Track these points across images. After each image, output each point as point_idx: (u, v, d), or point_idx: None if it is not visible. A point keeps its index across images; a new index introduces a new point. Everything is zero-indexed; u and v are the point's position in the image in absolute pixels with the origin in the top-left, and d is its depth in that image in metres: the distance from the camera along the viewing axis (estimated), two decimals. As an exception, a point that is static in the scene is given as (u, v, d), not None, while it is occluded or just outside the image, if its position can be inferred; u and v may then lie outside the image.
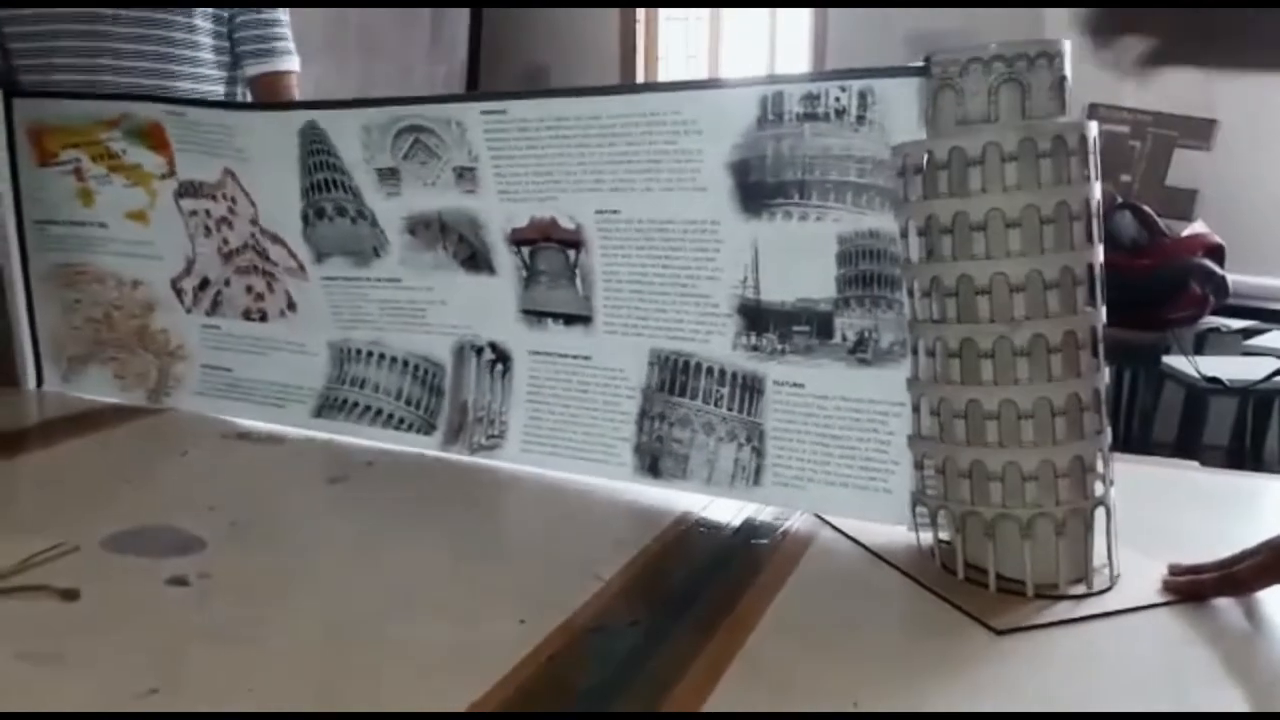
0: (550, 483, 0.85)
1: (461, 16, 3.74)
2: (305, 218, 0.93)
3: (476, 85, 3.86)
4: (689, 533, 0.75)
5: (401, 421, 0.93)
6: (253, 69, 1.53)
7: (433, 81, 3.63)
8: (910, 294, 0.69)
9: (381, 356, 0.95)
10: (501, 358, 0.90)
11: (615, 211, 0.81)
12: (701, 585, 0.66)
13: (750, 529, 0.75)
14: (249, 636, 0.58)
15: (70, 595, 0.61)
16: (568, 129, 0.80)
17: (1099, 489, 0.66)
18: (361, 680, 0.54)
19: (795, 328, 0.76)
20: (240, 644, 0.57)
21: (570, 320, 0.86)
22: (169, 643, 0.57)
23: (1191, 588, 0.64)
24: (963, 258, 0.65)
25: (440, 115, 0.85)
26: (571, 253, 0.84)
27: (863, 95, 0.71)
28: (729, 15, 4.20)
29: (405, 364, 0.94)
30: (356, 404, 0.95)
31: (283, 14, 1.56)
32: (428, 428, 0.92)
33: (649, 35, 4.18)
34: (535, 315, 0.87)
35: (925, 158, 0.66)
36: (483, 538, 0.76)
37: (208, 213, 1.00)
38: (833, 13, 3.48)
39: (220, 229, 1.00)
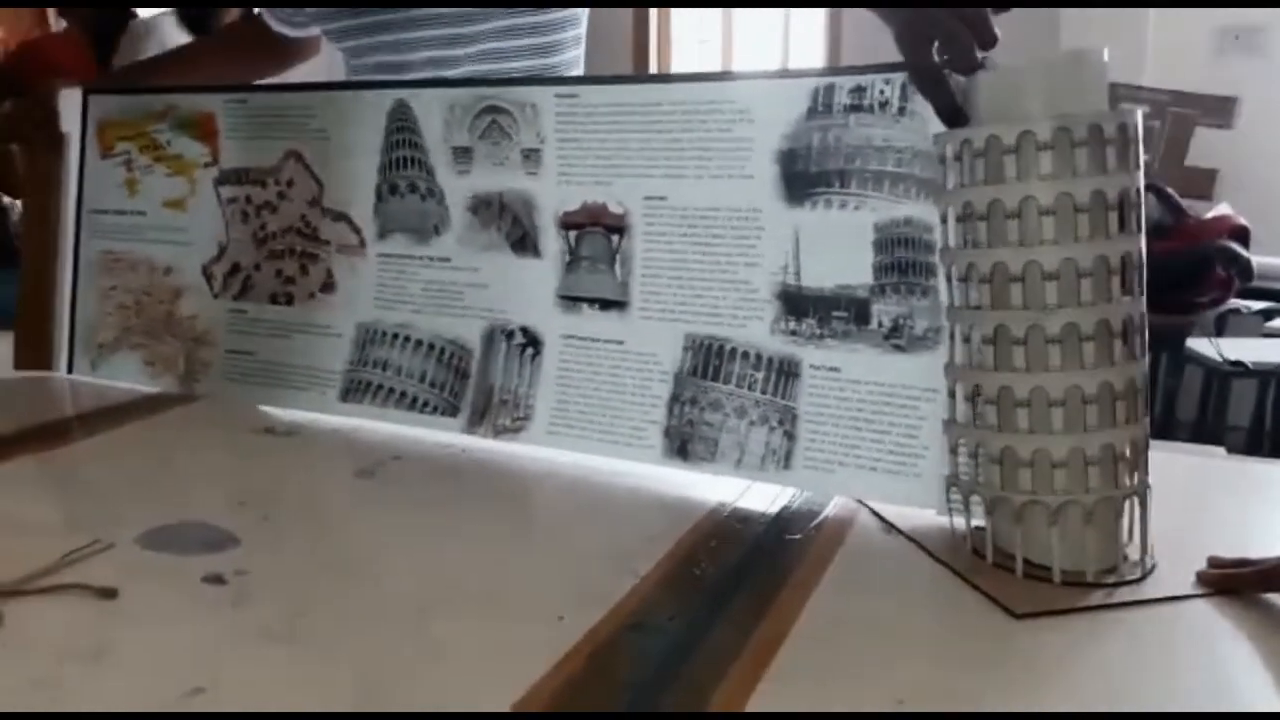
0: (580, 476, 0.85)
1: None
2: (379, 192, 0.98)
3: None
4: (723, 525, 0.75)
5: (426, 404, 0.95)
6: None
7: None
8: (948, 280, 0.69)
9: (407, 339, 0.97)
10: (532, 341, 0.91)
11: (663, 198, 0.84)
12: (739, 579, 0.66)
13: (785, 520, 0.75)
14: (288, 634, 0.58)
15: (108, 594, 0.62)
16: (630, 115, 0.85)
17: (1132, 478, 0.66)
18: (403, 678, 0.54)
19: (834, 313, 0.78)
20: (280, 642, 0.58)
21: (606, 305, 0.88)
22: (210, 641, 0.58)
23: (1226, 581, 0.63)
24: (997, 245, 0.65)
25: (518, 98, 0.89)
26: (615, 238, 0.86)
27: (905, 87, 0.74)
28: (741, 13, 4.17)
29: (431, 347, 0.96)
30: (380, 386, 0.97)
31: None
32: (452, 410, 0.94)
33: (661, 25, 4.16)
34: (572, 300, 0.89)
35: (963, 145, 0.66)
36: (515, 532, 0.77)
37: (249, 199, 1.05)
38: (846, 9, 3.46)
39: (260, 214, 1.05)
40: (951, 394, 0.70)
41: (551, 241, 0.89)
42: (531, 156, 0.89)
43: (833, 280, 0.78)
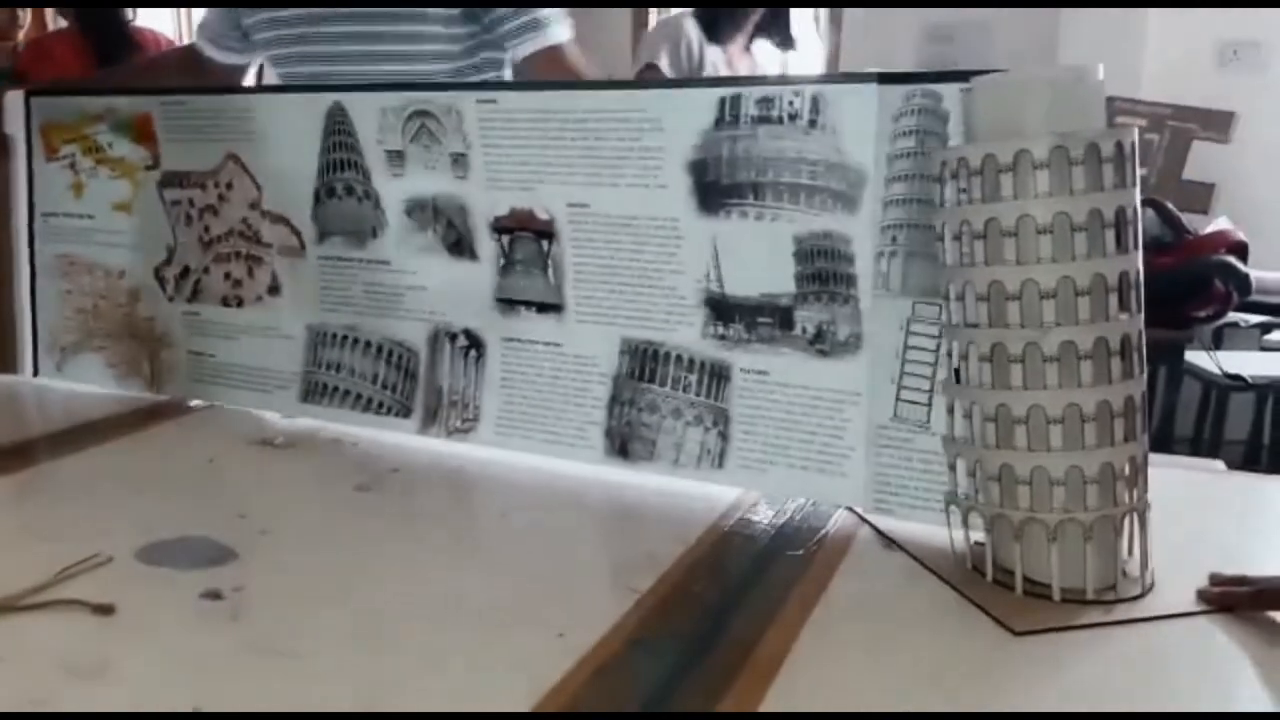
0: (579, 490, 0.85)
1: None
2: (317, 195, 0.98)
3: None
4: (723, 542, 0.75)
5: (380, 406, 0.97)
6: (524, 46, 1.36)
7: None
8: (945, 297, 0.69)
9: (356, 341, 0.99)
10: (475, 344, 0.93)
11: (585, 205, 0.85)
12: (740, 596, 0.66)
13: (786, 536, 0.75)
14: (285, 651, 0.58)
15: (105, 610, 0.62)
16: (548, 122, 0.85)
17: (1131, 496, 0.66)
18: (402, 695, 0.54)
19: (759, 319, 0.80)
20: (277, 658, 0.57)
21: (543, 308, 0.89)
22: (208, 658, 0.58)
23: (1225, 599, 0.63)
24: (994, 263, 0.65)
25: (444, 102, 0.90)
26: (545, 243, 0.88)
27: (815, 100, 0.75)
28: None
29: (379, 349, 0.98)
30: (336, 388, 1.00)
31: None
32: (405, 411, 0.96)
33: (661, 30, 4.17)
34: (509, 303, 0.91)
35: (959, 163, 0.66)
36: (514, 547, 0.76)
37: (191, 202, 1.05)
38: (847, 9, 3.47)
39: (203, 217, 1.05)
40: (950, 411, 0.70)
41: (486, 245, 0.91)
42: (460, 161, 0.90)
43: (756, 288, 0.80)
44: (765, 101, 0.77)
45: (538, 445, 0.89)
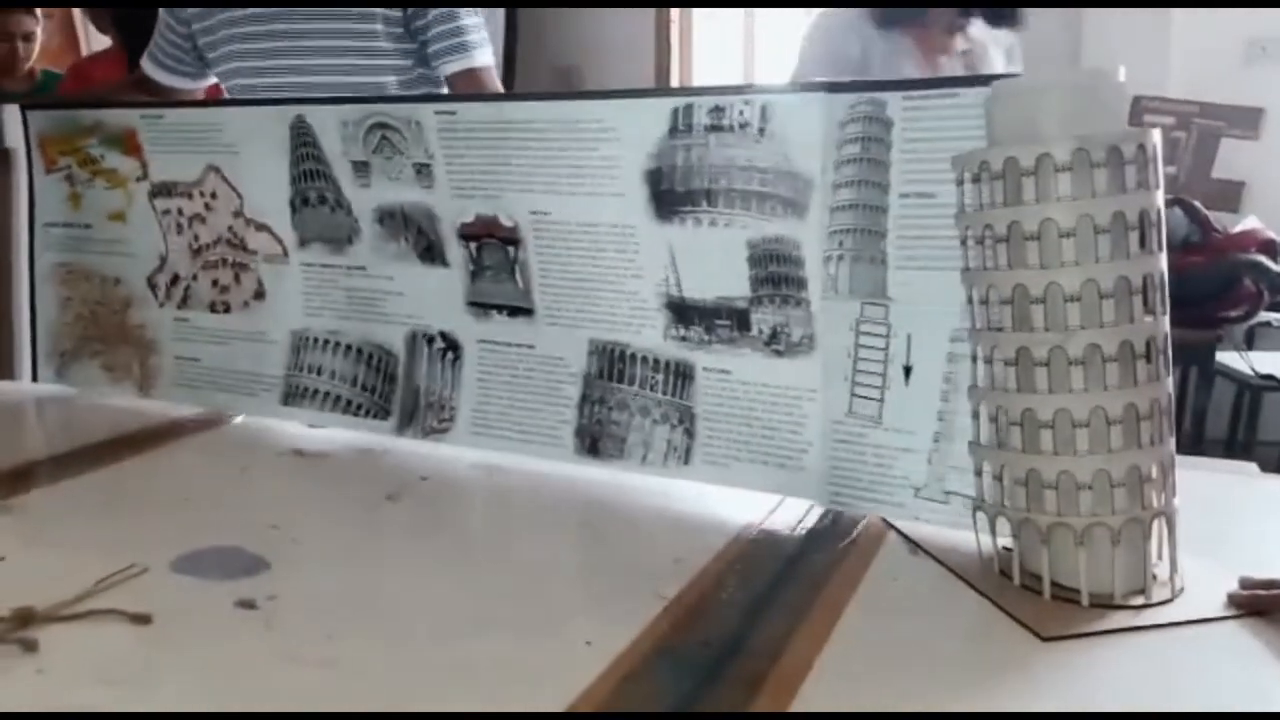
0: (606, 497, 0.85)
1: (496, 19, 3.77)
2: (293, 204, 1.01)
3: (511, 87, 3.88)
4: (750, 548, 0.75)
5: (360, 407, 1.00)
6: (449, 66, 1.47)
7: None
8: (969, 301, 0.69)
9: (338, 345, 1.02)
10: (451, 346, 0.96)
11: (546, 213, 0.88)
12: (767, 603, 0.66)
13: (812, 542, 0.76)
14: (319, 660, 0.59)
15: (142, 620, 0.63)
16: (508, 132, 0.87)
17: (1159, 499, 0.66)
18: (434, 703, 0.55)
19: (718, 321, 0.83)
20: (311, 667, 0.58)
21: (514, 312, 0.92)
22: (243, 667, 0.59)
23: (1256, 603, 0.63)
24: (1017, 267, 0.65)
25: (403, 114, 0.92)
26: (511, 249, 0.90)
27: (764, 110, 0.77)
28: (762, 13, 4.19)
29: (360, 352, 1.00)
30: (317, 391, 1.03)
31: (472, 14, 1.50)
32: (383, 413, 0.99)
33: (683, 35, 4.18)
34: (481, 307, 0.94)
35: (980, 167, 0.66)
36: (542, 555, 0.77)
37: (180, 211, 1.09)
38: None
39: (192, 225, 1.08)
40: (975, 415, 0.70)
41: (455, 251, 0.93)
42: (423, 171, 0.92)
43: (713, 292, 0.82)
44: (717, 111, 0.78)
45: (512, 444, 0.93)
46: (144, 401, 1.11)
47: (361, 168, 0.95)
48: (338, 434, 1.01)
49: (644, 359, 0.86)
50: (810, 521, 0.79)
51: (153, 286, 1.12)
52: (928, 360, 0.75)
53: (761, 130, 0.77)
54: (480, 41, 1.47)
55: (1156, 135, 0.65)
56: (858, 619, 0.64)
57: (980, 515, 0.70)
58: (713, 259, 0.81)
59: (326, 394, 1.02)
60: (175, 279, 1.10)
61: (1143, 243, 0.65)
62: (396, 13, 1.41)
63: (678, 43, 4.24)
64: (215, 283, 1.08)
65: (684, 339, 0.84)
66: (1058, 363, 0.65)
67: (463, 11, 1.46)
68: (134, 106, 1.12)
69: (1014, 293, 0.66)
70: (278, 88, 1.39)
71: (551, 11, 3.87)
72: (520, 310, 0.91)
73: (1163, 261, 0.66)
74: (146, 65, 1.48)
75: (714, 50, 4.37)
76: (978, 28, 1.66)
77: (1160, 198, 0.66)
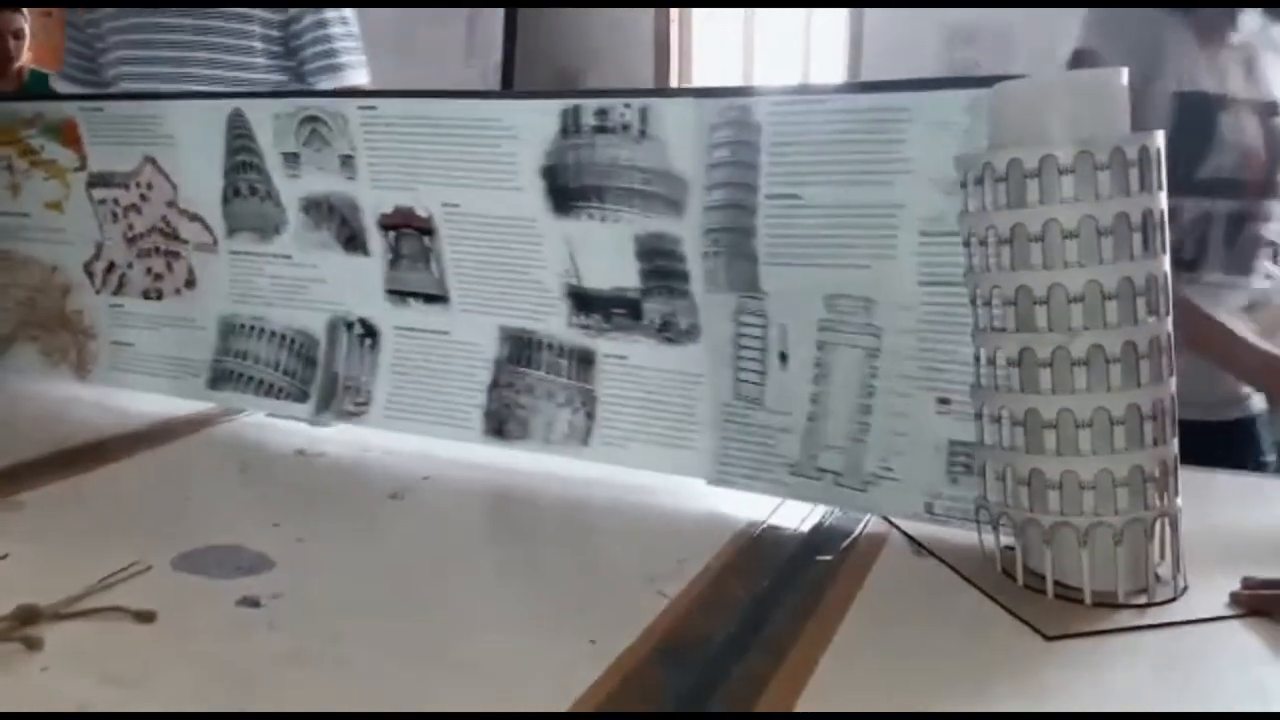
0: (609, 495, 0.86)
1: (496, 20, 3.77)
2: (225, 195, 1.05)
3: (511, 88, 3.89)
4: (752, 547, 0.75)
5: (281, 391, 1.04)
6: (321, 84, 1.51)
7: (467, 84, 3.66)
8: (972, 302, 0.69)
9: (263, 331, 1.06)
10: (370, 332, 1.00)
11: (457, 205, 0.92)
12: (771, 602, 0.66)
13: (816, 541, 0.76)
14: (323, 658, 0.59)
15: (146, 617, 0.63)
16: (422, 128, 0.91)
17: (1162, 499, 0.66)
18: (437, 703, 0.55)
19: (614, 310, 0.87)
20: (315, 666, 0.58)
21: (430, 299, 0.96)
22: (247, 666, 0.59)
23: (1259, 603, 0.63)
24: (1020, 268, 0.66)
25: (331, 108, 0.96)
26: (427, 239, 0.94)
27: (643, 113, 0.81)
28: (762, 14, 4.19)
29: (284, 338, 1.04)
30: (242, 375, 1.06)
31: (341, 23, 1.54)
32: (302, 396, 1.03)
33: (683, 36, 4.18)
34: (400, 294, 0.97)
35: (984, 168, 0.66)
36: (545, 553, 0.77)
37: (116, 201, 1.12)
38: (868, 9, 3.46)
39: (127, 215, 1.12)
40: (978, 415, 0.70)
41: (375, 240, 0.97)
42: (348, 163, 0.96)
43: (609, 283, 0.86)
44: (601, 113, 0.82)
45: (423, 427, 0.97)
46: (145, 400, 1.11)
47: (292, 159, 0.99)
48: (339, 433, 1.01)
49: (549, 345, 0.90)
50: (812, 522, 0.79)
51: (90, 274, 1.16)
52: (800, 348, 0.79)
53: (642, 132, 0.82)
54: (353, 62, 1.55)
55: (1159, 137, 0.65)
56: (861, 618, 0.64)
57: (983, 515, 0.70)
58: (606, 252, 0.86)
59: (251, 378, 1.06)
60: (111, 266, 1.14)
61: (1146, 244, 0.65)
62: (276, 16, 1.47)
63: (677, 43, 4.24)
64: (149, 270, 1.12)
65: (585, 327, 0.89)
66: (1061, 363, 0.65)
67: (337, 29, 1.53)
68: (74, 99, 1.17)
69: (1017, 294, 0.66)
70: (161, 80, 1.47)
71: (551, 12, 3.87)
72: (436, 298, 0.95)
73: (1166, 263, 0.66)
74: (57, 84, 1.57)
75: (714, 50, 4.38)
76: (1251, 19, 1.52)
77: (1163, 199, 0.66)
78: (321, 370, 1.02)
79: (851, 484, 0.78)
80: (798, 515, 0.79)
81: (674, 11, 4.11)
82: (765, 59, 4.28)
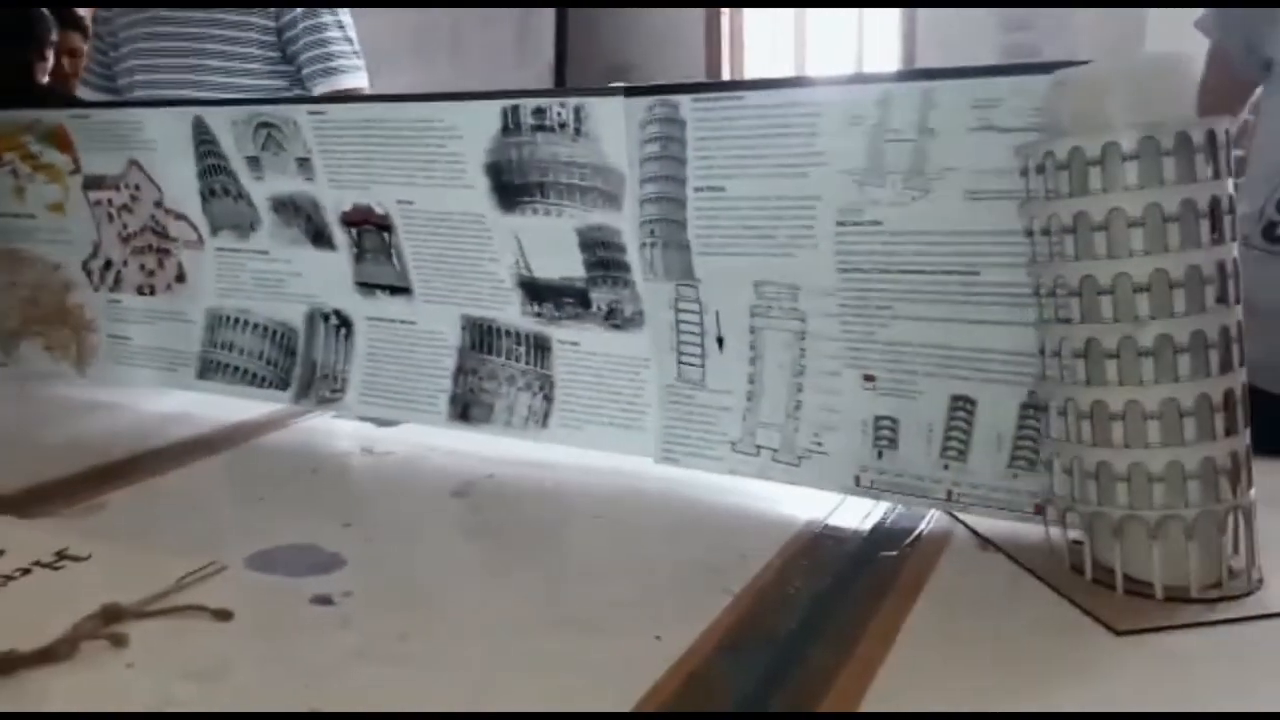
0: (668, 492, 0.86)
1: (547, 20, 3.79)
2: (203, 195, 1.10)
3: (562, 84, 3.90)
4: (816, 543, 0.75)
5: (263, 380, 1.10)
6: (318, 88, 1.59)
7: (520, 84, 3.69)
8: (1035, 293, 0.69)
9: (247, 323, 1.11)
10: (345, 323, 1.05)
11: (411, 202, 0.96)
12: (835, 598, 0.66)
13: (879, 537, 0.76)
14: (396, 655, 0.61)
15: (224, 615, 0.65)
16: (372, 130, 0.96)
17: (1235, 492, 0.65)
18: (509, 698, 0.56)
19: (564, 299, 0.92)
20: (388, 663, 0.60)
21: (395, 291, 1.01)
22: (323, 662, 0.60)
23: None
24: (1085, 257, 0.65)
25: (282, 114, 1.00)
26: (387, 234, 0.99)
27: (578, 111, 0.84)
28: (815, 9, 4.16)
29: (266, 329, 1.10)
30: (228, 365, 1.12)
31: (338, 27, 1.60)
32: (283, 384, 1.09)
33: (734, 32, 4.17)
34: (367, 287, 1.03)
35: (1045, 157, 0.66)
36: (608, 549, 0.78)
37: (110, 201, 1.18)
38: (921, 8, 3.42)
39: (120, 215, 1.18)
40: (1044, 408, 0.69)
41: (340, 236, 1.02)
42: (304, 165, 1.00)
43: (557, 273, 0.91)
44: (539, 112, 0.86)
45: (395, 412, 1.03)
46: (216, 407, 1.13)
47: (254, 162, 1.04)
48: (404, 433, 1.03)
49: (508, 332, 0.95)
50: (874, 520, 0.78)
51: (88, 271, 1.23)
52: (735, 332, 0.83)
53: (577, 130, 0.84)
54: (349, 65, 1.61)
55: (1228, 122, 0.64)
56: (928, 614, 0.64)
57: (1050, 509, 0.70)
58: (553, 244, 0.90)
59: (236, 368, 1.12)
60: (108, 264, 1.21)
61: (1214, 231, 0.64)
62: (270, 22, 1.52)
63: (728, 39, 4.23)
64: (143, 267, 1.18)
65: (539, 315, 0.93)
66: (1128, 354, 0.64)
67: (332, 33, 1.58)
68: (61, 107, 1.25)
69: (1082, 284, 0.65)
70: (169, 84, 1.54)
71: (601, 11, 3.88)
72: (400, 289, 1.01)
73: (1235, 250, 0.65)
74: (81, 91, 1.67)
75: (765, 46, 4.35)
76: None
77: (1232, 185, 0.64)
78: (301, 359, 1.08)
79: (786, 459, 0.82)
80: (858, 514, 0.79)
81: (724, 9, 4.10)
82: (818, 51, 4.24)
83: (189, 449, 1.02)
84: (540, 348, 0.94)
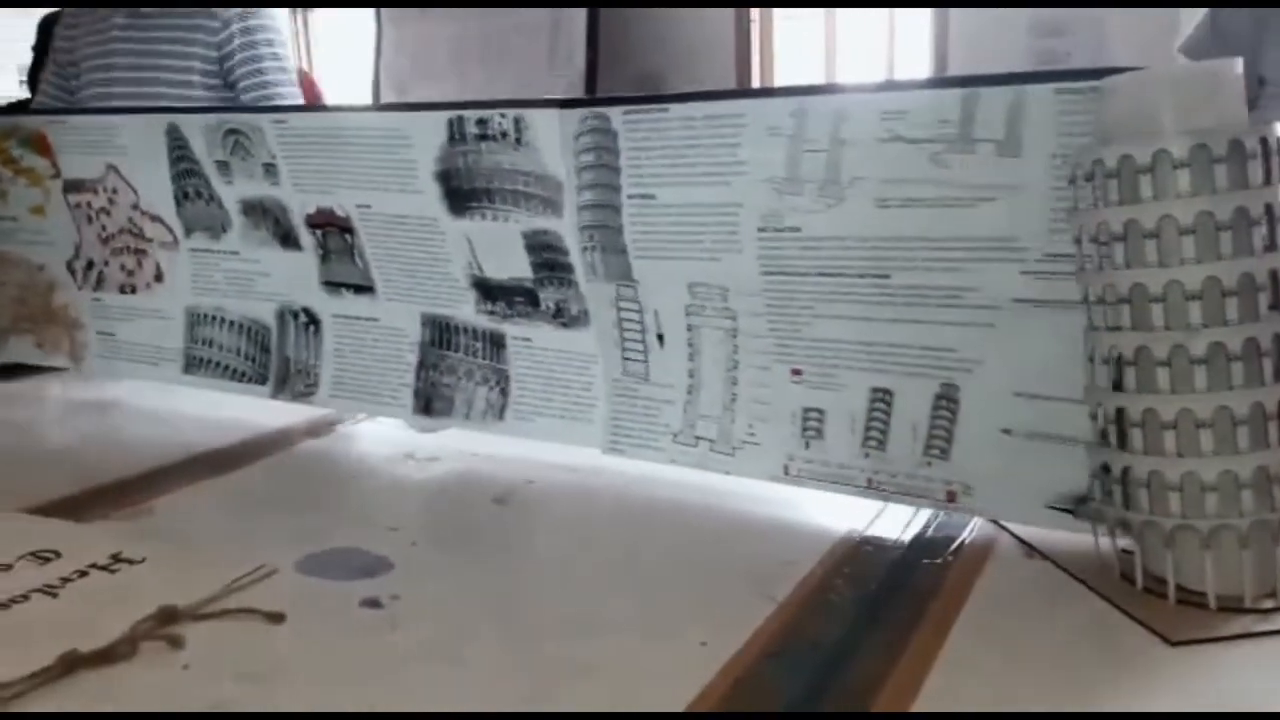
0: (708, 499, 0.86)
1: (579, 30, 3.81)
2: (176, 199, 1.14)
3: (594, 93, 3.92)
4: (858, 551, 0.75)
5: (243, 375, 1.15)
6: (249, 96, 1.74)
7: (553, 91, 3.71)
8: (1085, 300, 0.68)
9: (223, 320, 1.16)
10: (313, 320, 1.10)
11: (369, 206, 1.00)
12: (880, 606, 0.66)
13: (921, 545, 0.75)
14: (444, 657, 0.61)
15: (276, 618, 0.65)
16: (331, 138, 1.00)
17: (1290, 500, 0.64)
18: (557, 703, 0.56)
19: (515, 298, 0.96)
20: (437, 665, 0.60)
21: (359, 290, 1.05)
22: (374, 663, 0.61)
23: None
24: (1136, 265, 0.64)
25: (248, 122, 1.04)
26: (349, 236, 1.03)
27: (517, 122, 0.87)
28: (844, 13, 4.15)
29: (242, 326, 1.14)
30: (210, 361, 1.17)
31: (268, 45, 1.71)
32: (261, 379, 1.13)
33: (764, 37, 4.17)
34: (333, 285, 1.07)
35: (1094, 165, 0.65)
36: (650, 555, 0.78)
37: (89, 204, 1.23)
38: (954, 9, 3.41)
39: (100, 217, 1.23)
40: (1093, 417, 0.69)
41: (306, 237, 1.06)
42: (270, 170, 1.04)
43: (507, 274, 0.95)
44: (481, 122, 0.89)
45: (363, 405, 1.08)
46: (262, 412, 1.15)
47: (224, 167, 1.08)
48: (445, 439, 1.03)
49: (465, 329, 0.99)
50: (915, 528, 0.78)
51: (71, 271, 1.27)
52: (674, 329, 0.88)
53: (518, 139, 0.88)
54: (280, 80, 1.77)
55: (1278, 128, 0.64)
56: (975, 621, 0.63)
57: (1100, 518, 0.69)
58: (501, 247, 0.93)
59: (218, 363, 1.16)
60: (90, 264, 1.26)
61: (1269, 238, 0.63)
62: (212, 53, 1.62)
63: (758, 43, 4.23)
64: (123, 267, 1.23)
65: (492, 313, 0.97)
66: (1179, 362, 0.63)
67: (274, 76, 1.68)
68: (41, 114, 1.31)
69: (1132, 291, 0.65)
70: (123, 98, 1.70)
71: (632, 18, 3.89)
72: (364, 288, 1.05)
73: (1289, 257, 0.64)
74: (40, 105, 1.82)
75: (795, 50, 4.35)
76: None
77: (1286, 192, 0.64)
78: (275, 355, 1.12)
79: (723, 450, 0.86)
80: (898, 523, 0.79)
81: (754, 11, 4.10)
82: (848, 57, 4.23)
83: (237, 454, 1.03)
84: (495, 344, 0.98)
